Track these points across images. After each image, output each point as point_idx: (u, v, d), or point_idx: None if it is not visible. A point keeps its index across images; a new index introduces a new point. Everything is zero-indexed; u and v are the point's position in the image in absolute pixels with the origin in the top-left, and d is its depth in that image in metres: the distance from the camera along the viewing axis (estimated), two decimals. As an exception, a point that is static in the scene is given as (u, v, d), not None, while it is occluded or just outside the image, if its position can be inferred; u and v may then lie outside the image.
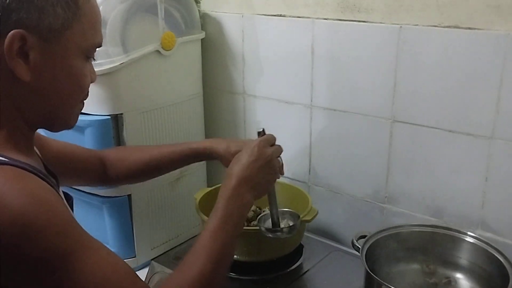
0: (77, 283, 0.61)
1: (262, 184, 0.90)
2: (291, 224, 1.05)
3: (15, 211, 0.58)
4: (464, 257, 1.05)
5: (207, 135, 1.48)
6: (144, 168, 1.10)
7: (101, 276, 0.63)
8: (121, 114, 1.21)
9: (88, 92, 0.79)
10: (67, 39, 0.70)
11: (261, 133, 0.95)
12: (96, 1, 0.76)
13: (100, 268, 0.63)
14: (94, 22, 0.75)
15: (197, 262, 0.75)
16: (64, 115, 0.76)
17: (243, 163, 0.87)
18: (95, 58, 0.78)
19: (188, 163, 1.14)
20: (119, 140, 1.23)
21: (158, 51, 1.25)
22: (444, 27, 1.05)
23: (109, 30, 1.14)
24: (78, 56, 0.73)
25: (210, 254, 0.76)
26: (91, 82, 0.79)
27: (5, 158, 0.65)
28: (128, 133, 1.22)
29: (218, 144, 1.07)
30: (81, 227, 0.65)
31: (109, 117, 1.19)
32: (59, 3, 0.68)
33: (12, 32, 0.65)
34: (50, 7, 0.67)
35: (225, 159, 1.04)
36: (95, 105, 1.17)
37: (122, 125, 1.21)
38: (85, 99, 0.80)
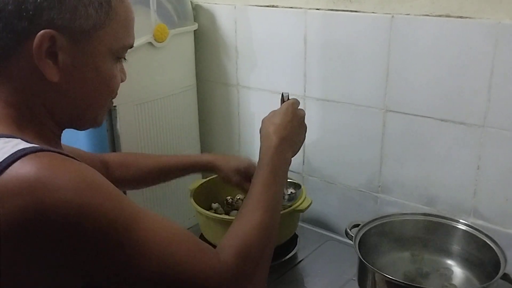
0: (145, 251, 0.61)
1: (297, 143, 0.93)
2: (291, 192, 1.05)
3: (70, 193, 0.57)
4: (456, 245, 1.07)
5: (201, 127, 1.49)
6: (148, 176, 1.12)
7: (163, 240, 0.64)
8: (115, 106, 1.21)
9: (117, 92, 0.78)
10: (97, 40, 0.69)
11: (286, 97, 0.97)
12: (129, 2, 0.74)
13: (161, 233, 0.64)
14: (126, 23, 0.73)
15: (255, 213, 0.76)
16: (92, 115, 0.75)
17: (280, 123, 0.89)
18: (126, 58, 0.77)
19: (187, 174, 1.18)
20: (112, 133, 1.23)
21: (150, 43, 1.25)
22: (435, 16, 1.05)
23: (101, 23, 1.14)
24: (108, 57, 0.71)
25: (266, 204, 0.78)
26: (121, 82, 0.78)
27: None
28: (121, 125, 1.23)
29: (219, 160, 1.14)
30: (131, 200, 0.66)
31: (102, 109, 1.19)
32: (91, 4, 0.67)
33: (42, 32, 0.64)
34: (83, 7, 0.66)
35: (225, 174, 1.13)
36: (88, 98, 1.16)
37: (116, 117, 1.22)
38: (114, 98, 0.79)
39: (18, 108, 0.68)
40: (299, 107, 0.96)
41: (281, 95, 0.97)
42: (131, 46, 0.75)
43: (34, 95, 0.68)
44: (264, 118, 0.94)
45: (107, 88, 0.74)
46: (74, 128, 0.77)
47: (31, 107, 0.69)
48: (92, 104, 0.74)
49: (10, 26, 0.64)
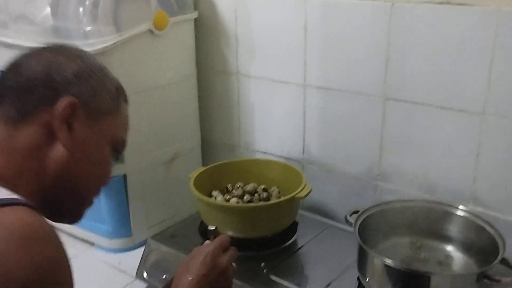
0: None
1: None
2: None
3: (15, 284, 0.54)
4: (455, 231, 1.07)
5: (201, 116, 1.49)
6: None
7: None
8: (115, 94, 1.21)
9: (103, 186, 0.77)
10: (107, 123, 0.74)
11: (214, 232, 0.86)
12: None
13: None
14: (126, 122, 0.79)
15: None
16: (76, 200, 0.74)
17: (194, 277, 0.81)
18: (119, 157, 0.79)
19: None
20: (113, 120, 1.23)
21: (150, 31, 1.25)
22: (436, 3, 1.05)
23: (102, 9, 1.14)
24: (109, 144, 0.75)
25: None
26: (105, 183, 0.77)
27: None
28: (122, 113, 1.23)
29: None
30: None
31: (102, 97, 1.19)
32: (109, 92, 0.74)
33: (67, 97, 0.68)
34: (103, 91, 0.73)
35: None
36: (88, 85, 1.16)
37: (116, 105, 1.22)
38: (98, 193, 0.77)
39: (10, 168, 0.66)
40: (226, 249, 0.86)
41: (208, 230, 0.87)
42: (125, 145, 0.79)
43: (34, 156, 0.67)
44: (183, 261, 0.85)
45: (101, 173, 0.75)
46: (48, 213, 0.68)
47: (24, 165, 0.67)
48: (83, 185, 0.73)
49: (35, 92, 0.67)
